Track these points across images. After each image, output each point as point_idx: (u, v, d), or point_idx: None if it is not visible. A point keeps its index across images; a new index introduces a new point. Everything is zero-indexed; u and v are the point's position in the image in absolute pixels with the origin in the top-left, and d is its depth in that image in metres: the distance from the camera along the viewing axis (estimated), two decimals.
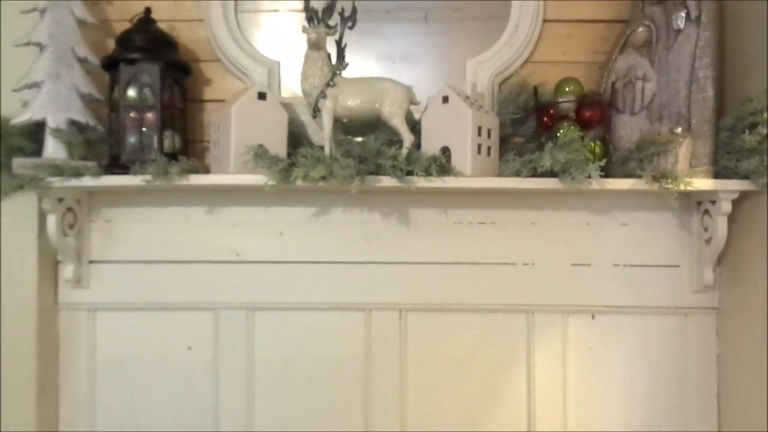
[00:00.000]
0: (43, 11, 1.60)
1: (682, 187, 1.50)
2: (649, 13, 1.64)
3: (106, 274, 1.76)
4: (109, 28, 1.78)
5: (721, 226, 1.61)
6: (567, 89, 1.63)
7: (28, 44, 1.59)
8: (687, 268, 1.75)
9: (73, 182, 1.53)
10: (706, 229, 1.68)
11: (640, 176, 1.52)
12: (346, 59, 1.61)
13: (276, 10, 1.83)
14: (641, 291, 1.76)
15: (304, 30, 1.52)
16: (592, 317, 1.78)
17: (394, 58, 1.82)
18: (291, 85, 1.76)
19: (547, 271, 1.77)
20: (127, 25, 1.67)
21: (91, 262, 1.76)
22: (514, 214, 1.76)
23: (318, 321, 1.78)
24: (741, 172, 1.54)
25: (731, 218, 1.61)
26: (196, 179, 1.54)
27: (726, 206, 1.58)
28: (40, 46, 1.59)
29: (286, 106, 1.65)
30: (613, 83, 1.65)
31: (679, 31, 1.59)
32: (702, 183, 1.54)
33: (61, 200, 1.63)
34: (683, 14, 1.57)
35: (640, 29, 1.63)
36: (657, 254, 1.76)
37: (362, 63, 1.76)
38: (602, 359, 1.78)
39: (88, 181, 1.54)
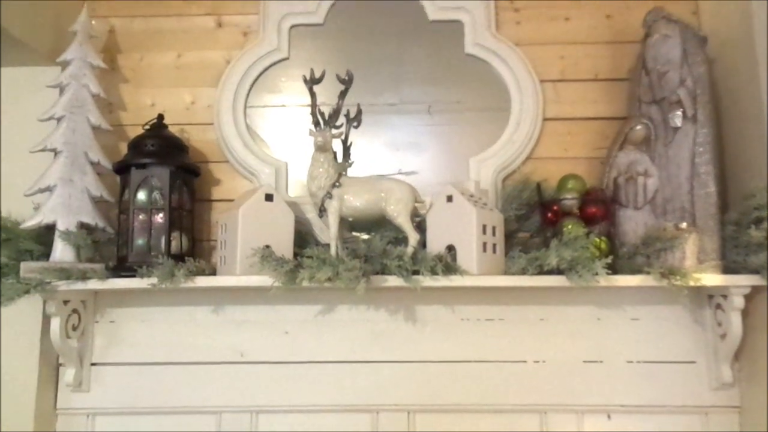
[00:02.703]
0: (60, 119, 1.66)
1: (691, 284, 1.48)
2: (646, 111, 1.69)
3: (108, 377, 1.73)
4: (123, 132, 1.85)
5: (735, 321, 1.58)
6: (569, 185, 1.65)
7: (43, 150, 1.64)
8: (704, 364, 1.70)
9: (80, 285, 1.53)
10: (719, 324, 1.65)
11: (648, 273, 1.51)
12: (352, 155, 1.66)
13: (284, 105, 1.89)
14: (658, 389, 1.70)
15: (311, 133, 1.57)
16: (608, 417, 1.71)
17: (398, 147, 1.87)
18: (301, 176, 1.77)
19: (558, 368, 1.72)
20: (140, 129, 1.73)
21: (93, 364, 1.73)
22: (523, 310, 1.74)
23: (324, 424, 1.72)
24: (751, 267, 1.53)
25: (745, 313, 1.59)
26: (202, 281, 1.54)
27: (738, 301, 1.56)
28: (55, 152, 1.64)
29: (293, 205, 1.67)
30: (615, 179, 1.67)
31: (676, 128, 1.62)
32: (712, 279, 1.52)
33: (66, 302, 1.63)
34: (679, 113, 1.62)
35: (639, 127, 1.67)
36: (671, 350, 1.71)
37: (368, 151, 1.82)
38: None
39: (94, 284, 1.54)
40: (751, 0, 1.60)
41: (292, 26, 1.91)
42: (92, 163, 1.68)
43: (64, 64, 1.71)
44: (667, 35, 1.65)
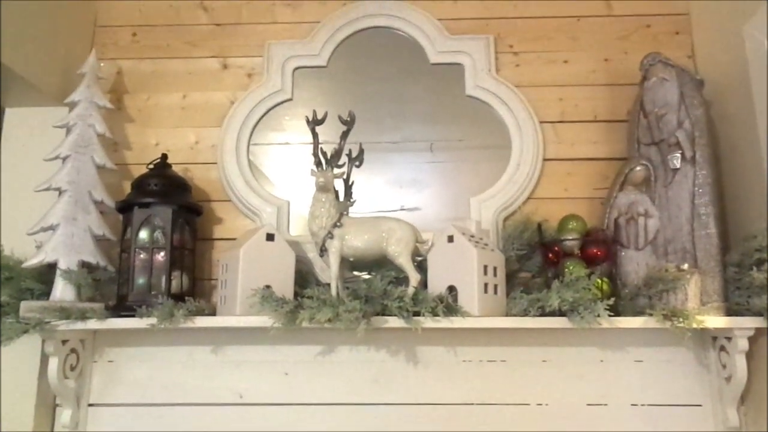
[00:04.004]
0: (65, 158, 1.68)
1: (694, 326, 1.46)
2: (645, 152, 1.71)
3: (105, 419, 1.70)
4: (127, 171, 1.87)
5: (740, 364, 1.56)
6: (570, 226, 1.65)
7: (48, 189, 1.65)
8: (709, 407, 1.67)
9: (79, 325, 1.53)
10: (724, 367, 1.63)
11: (650, 314, 1.50)
12: (354, 194, 1.68)
13: (287, 143, 1.92)
14: None
15: (313, 174, 1.58)
16: None
17: (401, 184, 1.89)
18: (303, 214, 1.75)
19: (562, 411, 1.69)
20: (144, 168, 1.75)
21: (90, 405, 1.70)
22: (525, 351, 1.72)
23: None
24: (754, 309, 1.52)
25: (749, 355, 1.57)
26: (202, 321, 1.53)
27: (743, 344, 1.54)
28: (59, 191, 1.66)
29: (294, 244, 1.67)
30: (616, 219, 1.68)
31: (675, 170, 1.63)
32: (715, 321, 1.51)
33: (65, 342, 1.61)
34: (678, 154, 1.63)
35: (638, 168, 1.68)
36: (676, 393, 1.69)
37: (370, 188, 1.84)
38: None
39: (93, 324, 1.54)
40: (745, 42, 1.63)
41: (296, 68, 1.95)
42: (96, 202, 1.69)
43: (72, 105, 1.74)
44: (664, 78, 1.68)
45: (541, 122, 1.88)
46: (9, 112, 1.83)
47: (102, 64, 1.87)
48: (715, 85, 1.75)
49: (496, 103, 1.89)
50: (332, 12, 1.97)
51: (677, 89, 1.66)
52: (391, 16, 1.96)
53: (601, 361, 1.72)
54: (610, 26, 1.96)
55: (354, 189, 1.69)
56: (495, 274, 1.55)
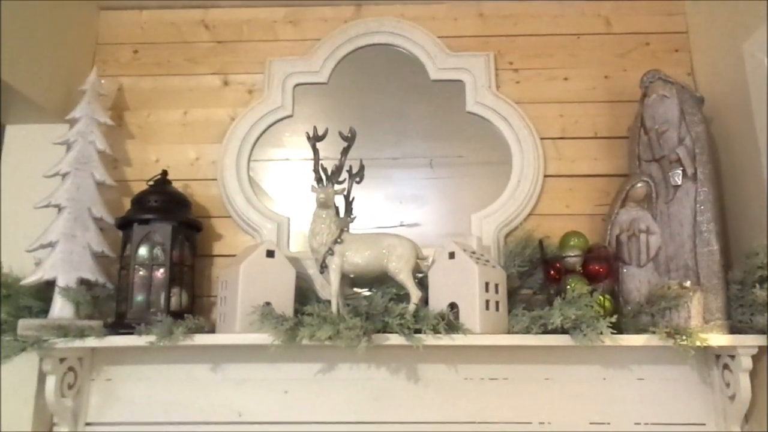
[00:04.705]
0: (65, 175, 1.68)
1: (698, 344, 1.45)
2: (646, 169, 1.71)
3: None
4: (127, 188, 1.87)
5: (743, 382, 1.55)
6: (572, 243, 1.64)
7: (47, 206, 1.65)
8: (713, 426, 1.65)
9: (77, 343, 1.51)
10: (728, 385, 1.61)
11: (653, 332, 1.49)
12: (354, 210, 1.68)
13: (288, 159, 1.91)
14: None
15: (313, 190, 1.58)
16: None
17: (401, 200, 1.88)
18: (303, 230, 1.76)
19: (564, 430, 1.67)
20: (144, 184, 1.75)
21: (87, 424, 1.68)
22: (527, 369, 1.70)
23: None
24: (757, 327, 1.51)
25: (753, 374, 1.55)
26: (201, 339, 1.52)
27: (746, 362, 1.53)
28: (59, 208, 1.65)
29: (294, 260, 1.67)
30: (618, 236, 1.67)
31: (677, 186, 1.63)
32: (718, 339, 1.50)
33: (62, 360, 1.60)
34: (679, 171, 1.63)
35: (640, 184, 1.67)
36: (679, 412, 1.67)
37: (370, 204, 1.84)
38: None
39: (91, 342, 1.52)
40: (745, 60, 1.64)
41: (297, 85, 1.95)
42: (95, 219, 1.68)
43: (72, 122, 1.75)
44: (664, 95, 1.68)
45: (541, 138, 1.88)
46: (9, 129, 1.83)
47: (103, 81, 1.87)
48: (715, 103, 1.76)
49: (497, 120, 1.89)
50: (333, 29, 1.98)
51: (677, 106, 1.67)
52: (392, 33, 1.97)
53: (604, 379, 1.70)
54: (609, 44, 1.97)
55: (354, 205, 1.70)
56: (496, 291, 1.54)
